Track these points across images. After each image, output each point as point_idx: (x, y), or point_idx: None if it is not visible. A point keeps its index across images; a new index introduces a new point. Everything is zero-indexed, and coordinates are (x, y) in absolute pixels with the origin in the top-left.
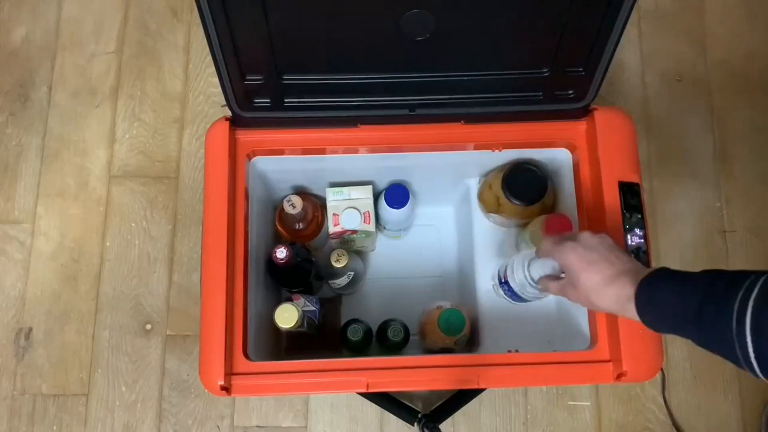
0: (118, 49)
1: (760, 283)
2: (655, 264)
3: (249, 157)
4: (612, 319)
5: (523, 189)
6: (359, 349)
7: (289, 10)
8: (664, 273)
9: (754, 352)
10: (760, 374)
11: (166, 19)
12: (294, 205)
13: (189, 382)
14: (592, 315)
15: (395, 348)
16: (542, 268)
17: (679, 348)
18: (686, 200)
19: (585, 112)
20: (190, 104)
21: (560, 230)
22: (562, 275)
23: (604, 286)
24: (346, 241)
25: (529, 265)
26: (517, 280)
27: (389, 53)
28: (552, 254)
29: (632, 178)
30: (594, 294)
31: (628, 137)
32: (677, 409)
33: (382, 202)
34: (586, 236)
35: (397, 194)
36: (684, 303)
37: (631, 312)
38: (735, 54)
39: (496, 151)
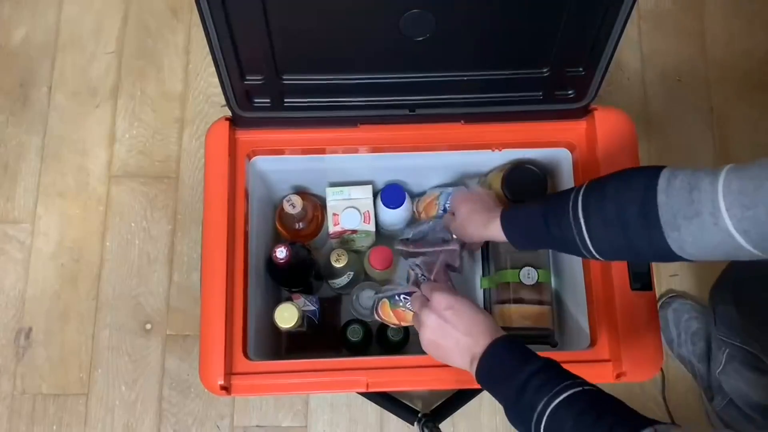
0: (118, 49)
1: (581, 192)
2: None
3: (249, 157)
4: (612, 319)
5: (523, 189)
6: (359, 349)
7: (289, 10)
8: (516, 206)
9: (591, 240)
10: (599, 257)
11: (166, 19)
12: (294, 205)
13: (189, 381)
14: (592, 315)
15: (395, 348)
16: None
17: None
18: None
19: (585, 112)
20: (190, 104)
21: (383, 261)
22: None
23: (470, 216)
24: (345, 240)
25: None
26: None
27: (389, 53)
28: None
29: None
30: (466, 223)
31: (627, 137)
32: (677, 409)
33: (379, 202)
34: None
35: (393, 194)
36: (535, 224)
37: (493, 234)
38: (735, 54)
39: (496, 151)
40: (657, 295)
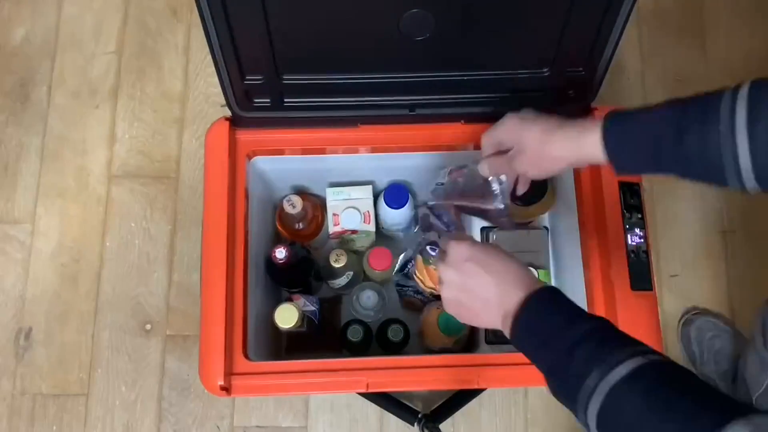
0: (118, 49)
1: (741, 88)
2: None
3: (249, 156)
4: (612, 319)
5: None
6: (359, 349)
7: (289, 10)
8: (625, 110)
9: (752, 159)
10: (755, 185)
11: (166, 19)
12: (294, 205)
13: (189, 382)
14: None
15: (395, 348)
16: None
17: (679, 348)
18: (686, 200)
19: (585, 112)
20: (190, 104)
21: (382, 261)
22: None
23: (553, 130)
24: (345, 241)
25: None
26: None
27: (389, 53)
28: (496, 137)
29: (632, 178)
30: (542, 144)
31: None
32: None
33: (381, 202)
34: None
35: (397, 194)
36: (659, 132)
37: (587, 148)
38: (735, 54)
39: None
40: (657, 296)
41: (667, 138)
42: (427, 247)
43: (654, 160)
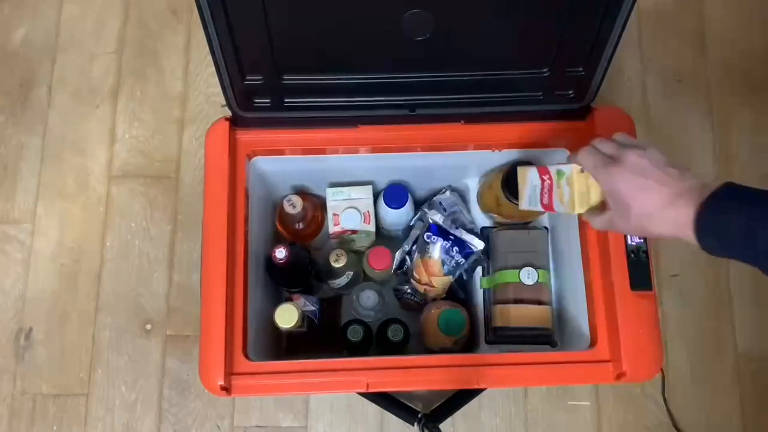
0: (118, 49)
1: None
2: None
3: (249, 157)
4: (612, 319)
5: None
6: (359, 349)
7: (289, 11)
8: (729, 192)
9: None
10: None
11: (166, 19)
12: (294, 205)
13: (189, 382)
14: (591, 315)
15: (395, 348)
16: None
17: (678, 348)
18: None
19: (585, 112)
20: (190, 104)
21: (382, 261)
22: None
23: (661, 210)
24: (345, 241)
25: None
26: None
27: (389, 53)
28: (599, 175)
29: None
30: (649, 221)
31: None
32: (677, 409)
33: (381, 202)
34: (634, 158)
35: (396, 194)
36: (751, 230)
37: (690, 237)
38: (735, 54)
39: (496, 151)
40: (657, 296)
41: (759, 254)
42: (424, 236)
43: (748, 257)
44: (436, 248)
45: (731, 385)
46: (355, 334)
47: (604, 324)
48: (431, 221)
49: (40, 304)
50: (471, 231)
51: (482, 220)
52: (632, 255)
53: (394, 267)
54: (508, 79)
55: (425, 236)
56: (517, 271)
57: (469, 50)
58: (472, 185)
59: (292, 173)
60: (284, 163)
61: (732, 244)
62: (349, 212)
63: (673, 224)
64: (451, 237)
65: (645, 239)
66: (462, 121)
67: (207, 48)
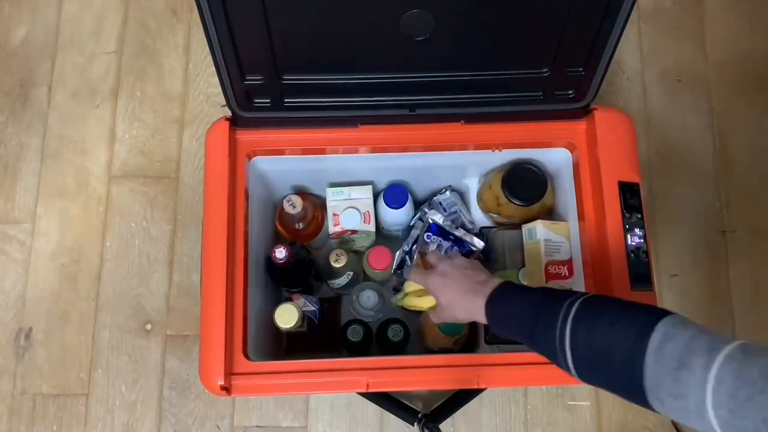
0: (118, 49)
1: (576, 304)
2: (656, 265)
3: (249, 157)
4: None
5: (523, 189)
6: (359, 349)
7: (289, 11)
8: (504, 290)
9: (572, 359)
10: (577, 378)
11: (166, 19)
12: (294, 205)
13: (189, 382)
14: None
15: (395, 348)
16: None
17: None
18: (686, 200)
19: (585, 112)
20: (190, 104)
21: (382, 261)
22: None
23: (458, 300)
24: (345, 241)
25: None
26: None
27: (389, 53)
28: (419, 283)
29: (632, 178)
30: (453, 308)
31: (628, 137)
32: None
33: (381, 202)
34: (441, 265)
35: (396, 194)
36: (520, 319)
37: (481, 320)
38: (735, 54)
39: (496, 151)
40: (657, 296)
41: (524, 330)
42: (424, 236)
43: (519, 339)
44: (436, 248)
45: None
46: (355, 334)
47: None
48: (431, 221)
49: (40, 304)
50: (471, 231)
51: (482, 220)
52: (632, 255)
53: (394, 267)
54: (508, 79)
55: (425, 236)
56: (517, 271)
57: (469, 50)
58: (472, 185)
59: (292, 173)
60: (284, 163)
61: (508, 328)
62: (349, 212)
63: (468, 311)
64: (451, 237)
65: (645, 239)
66: (462, 121)
67: (207, 48)
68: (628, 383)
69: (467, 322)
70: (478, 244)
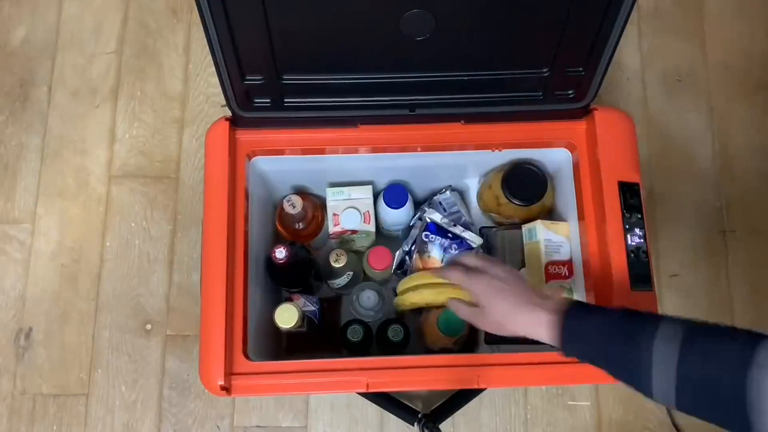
0: (118, 49)
1: (660, 329)
2: (657, 264)
3: (249, 157)
4: None
5: (523, 189)
6: (359, 349)
7: (289, 10)
8: (578, 308)
9: (655, 389)
10: (661, 403)
11: (166, 19)
12: (294, 205)
13: (189, 382)
14: None
15: (395, 348)
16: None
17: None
18: (686, 200)
19: (585, 112)
20: (190, 104)
21: (382, 261)
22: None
23: (515, 312)
24: (345, 241)
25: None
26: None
27: (389, 53)
28: (462, 283)
29: (632, 178)
30: (504, 319)
31: (627, 137)
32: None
33: (381, 202)
34: (495, 268)
35: (396, 194)
36: (598, 340)
37: (541, 337)
38: (735, 54)
39: (496, 151)
40: (657, 296)
41: (614, 351)
42: (423, 235)
43: (604, 366)
44: (435, 247)
45: None
46: (355, 334)
47: None
48: (429, 220)
49: (40, 304)
50: (469, 229)
51: (482, 220)
52: (632, 255)
53: (394, 267)
54: (508, 79)
55: (423, 235)
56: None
57: (469, 50)
58: (472, 185)
59: (292, 173)
60: (284, 163)
61: (587, 352)
62: (349, 212)
63: (526, 325)
64: (449, 235)
65: (645, 239)
66: (462, 121)
67: (207, 48)
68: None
69: (515, 336)
70: (477, 240)
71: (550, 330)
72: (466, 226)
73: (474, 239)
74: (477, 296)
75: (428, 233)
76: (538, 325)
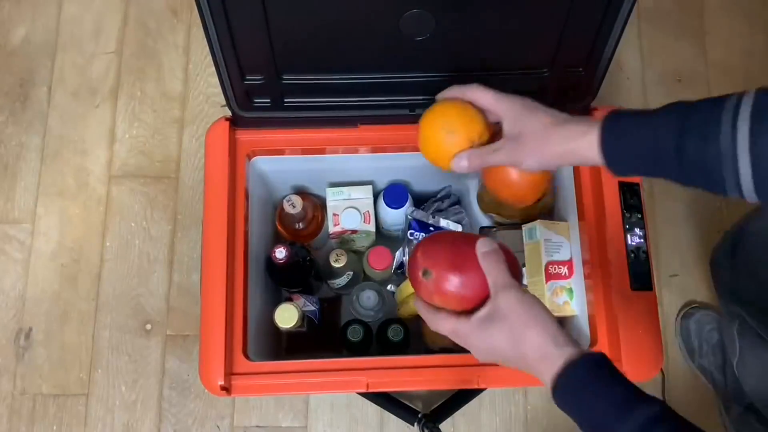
0: (118, 49)
1: (744, 100)
2: (656, 263)
3: (249, 157)
4: (612, 319)
5: None
6: (359, 349)
7: (289, 11)
8: (626, 112)
9: (753, 173)
10: (754, 196)
11: (166, 19)
12: (294, 205)
13: (189, 382)
14: (592, 315)
15: (395, 348)
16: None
17: (677, 342)
18: (686, 200)
19: (585, 112)
20: (190, 104)
21: (382, 261)
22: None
23: (553, 126)
24: (345, 241)
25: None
26: None
27: (389, 53)
28: (491, 105)
29: (631, 178)
30: (544, 137)
31: None
32: (677, 410)
33: (381, 202)
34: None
35: (396, 194)
36: (658, 139)
37: (582, 148)
38: (735, 54)
39: None
40: (657, 296)
41: (667, 146)
42: (408, 235)
43: (653, 167)
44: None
45: None
46: (355, 334)
47: (604, 324)
48: (411, 219)
49: (40, 304)
50: (459, 222)
51: (482, 220)
52: (632, 255)
53: (394, 267)
54: (508, 79)
55: (409, 235)
56: None
57: (469, 50)
58: (472, 185)
59: (292, 173)
60: (284, 163)
61: (637, 157)
62: (349, 212)
63: (565, 139)
64: (430, 228)
65: (645, 239)
66: None
67: (207, 48)
68: None
69: (556, 159)
70: (455, 227)
71: (594, 136)
72: (450, 217)
73: (452, 227)
74: (511, 119)
75: (413, 231)
76: (581, 135)
